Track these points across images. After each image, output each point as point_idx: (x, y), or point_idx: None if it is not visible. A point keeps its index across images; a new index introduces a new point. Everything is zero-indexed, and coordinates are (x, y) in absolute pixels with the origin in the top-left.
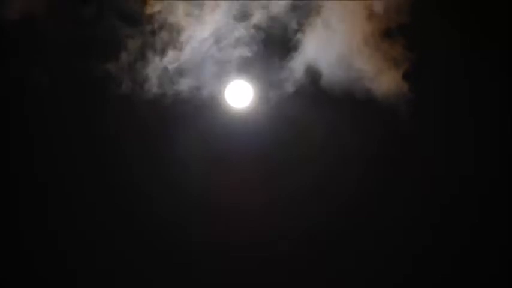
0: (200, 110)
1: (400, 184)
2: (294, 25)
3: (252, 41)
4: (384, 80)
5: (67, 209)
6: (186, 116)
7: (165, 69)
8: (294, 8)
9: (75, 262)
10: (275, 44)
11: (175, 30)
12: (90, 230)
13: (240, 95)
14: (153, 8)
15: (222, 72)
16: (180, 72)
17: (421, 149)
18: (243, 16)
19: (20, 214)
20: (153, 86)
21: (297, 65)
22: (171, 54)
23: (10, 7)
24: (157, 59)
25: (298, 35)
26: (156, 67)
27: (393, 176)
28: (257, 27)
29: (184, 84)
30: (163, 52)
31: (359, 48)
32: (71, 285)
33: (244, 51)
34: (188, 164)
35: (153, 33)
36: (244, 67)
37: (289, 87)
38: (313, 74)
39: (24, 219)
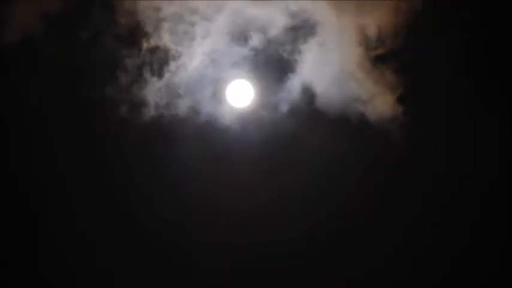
0: (197, 130)
1: (392, 206)
2: (289, 47)
3: (249, 61)
4: (378, 103)
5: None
6: (184, 136)
7: (162, 90)
8: (288, 30)
9: (75, 262)
10: (271, 66)
11: (171, 51)
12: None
13: (236, 114)
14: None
15: (219, 92)
16: (177, 93)
17: (415, 171)
18: (240, 37)
19: (21, 218)
20: (150, 107)
21: (292, 86)
22: (167, 75)
23: (8, 31)
24: (154, 80)
25: (294, 57)
26: (153, 88)
27: (385, 198)
28: (254, 48)
29: (182, 105)
30: (160, 73)
31: (353, 71)
32: (71, 285)
33: (241, 72)
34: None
35: (150, 55)
36: (241, 86)
37: (284, 108)
38: (308, 96)
39: (25, 221)
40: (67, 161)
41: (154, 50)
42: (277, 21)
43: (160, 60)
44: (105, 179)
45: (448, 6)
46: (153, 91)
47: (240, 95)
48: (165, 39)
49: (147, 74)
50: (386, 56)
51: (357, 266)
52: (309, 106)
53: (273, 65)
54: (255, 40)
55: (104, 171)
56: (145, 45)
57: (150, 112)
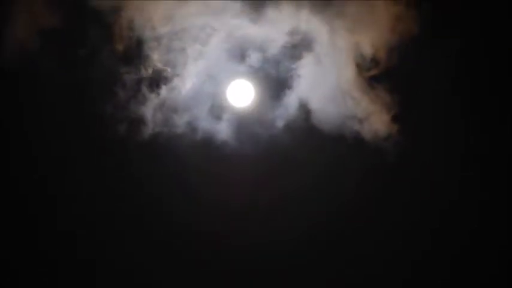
0: (194, 147)
1: (384, 223)
2: (285, 65)
3: (245, 78)
4: (373, 122)
5: None
6: (182, 153)
7: (159, 107)
8: (284, 48)
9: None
10: (267, 83)
11: (169, 68)
12: None
13: (233, 130)
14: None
15: (215, 108)
16: (175, 109)
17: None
18: (237, 55)
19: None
20: (148, 124)
21: (288, 104)
22: (164, 92)
23: (7, 47)
24: (152, 96)
25: (289, 75)
26: (151, 105)
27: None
28: (250, 66)
29: (179, 121)
30: (157, 90)
31: (348, 90)
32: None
33: (238, 88)
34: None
35: (147, 71)
36: (237, 102)
37: (280, 124)
38: (303, 113)
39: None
40: (65, 176)
41: (151, 67)
42: (274, 39)
43: (157, 77)
44: (104, 193)
45: (443, 25)
46: (151, 108)
47: (237, 110)
48: (162, 56)
49: (144, 91)
50: (381, 75)
51: (357, 267)
52: (305, 123)
53: (269, 82)
54: (252, 58)
55: (102, 185)
56: (142, 62)
57: (148, 129)
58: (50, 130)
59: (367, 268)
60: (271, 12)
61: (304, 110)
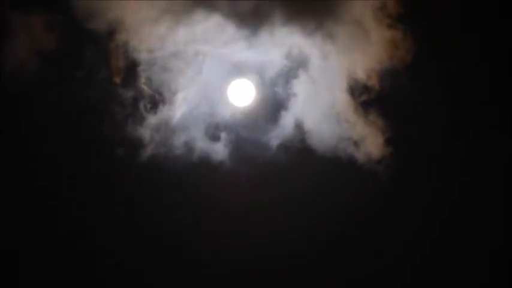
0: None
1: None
2: (281, 87)
3: (241, 99)
4: (366, 145)
5: None
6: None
7: (156, 128)
8: (280, 71)
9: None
10: (263, 104)
11: (164, 90)
12: None
13: (230, 150)
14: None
15: (211, 129)
16: (172, 130)
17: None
18: (233, 76)
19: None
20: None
21: (284, 126)
22: (160, 114)
23: (7, 69)
24: (149, 117)
25: (286, 97)
26: (148, 126)
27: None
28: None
29: (176, 142)
30: (154, 110)
31: (342, 114)
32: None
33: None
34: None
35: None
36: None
37: (275, 145)
38: (298, 135)
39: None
40: (61, 195)
41: (147, 88)
42: (269, 62)
43: (153, 99)
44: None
45: (437, 50)
46: (148, 128)
47: (233, 131)
48: (158, 77)
49: (141, 112)
50: (375, 99)
51: (357, 266)
52: (300, 144)
53: (265, 103)
54: (248, 79)
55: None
56: (138, 83)
57: (145, 151)
58: (48, 149)
59: (368, 264)
60: (265, 36)
61: (299, 131)
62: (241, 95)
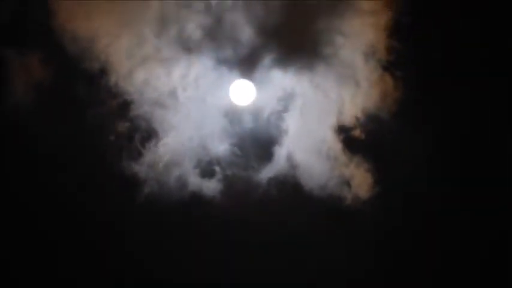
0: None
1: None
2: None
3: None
4: (354, 185)
5: None
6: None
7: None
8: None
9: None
10: (254, 139)
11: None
12: None
13: (224, 184)
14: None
15: (204, 165)
16: (167, 164)
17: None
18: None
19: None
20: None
21: (274, 161)
22: (156, 146)
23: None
24: (142, 152)
25: (276, 134)
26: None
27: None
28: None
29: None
30: (148, 146)
31: (332, 153)
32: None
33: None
34: None
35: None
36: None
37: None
38: (290, 171)
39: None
40: (58, 230)
41: (140, 123)
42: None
43: (147, 134)
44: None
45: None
46: (141, 164)
47: (224, 167)
48: (152, 113)
49: (134, 147)
50: (363, 141)
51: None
52: (292, 180)
53: (256, 139)
54: (240, 116)
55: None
56: (131, 115)
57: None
58: (44, 182)
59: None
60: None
61: (290, 167)
62: (233, 131)
